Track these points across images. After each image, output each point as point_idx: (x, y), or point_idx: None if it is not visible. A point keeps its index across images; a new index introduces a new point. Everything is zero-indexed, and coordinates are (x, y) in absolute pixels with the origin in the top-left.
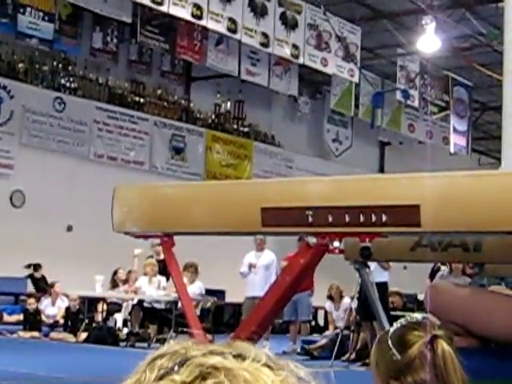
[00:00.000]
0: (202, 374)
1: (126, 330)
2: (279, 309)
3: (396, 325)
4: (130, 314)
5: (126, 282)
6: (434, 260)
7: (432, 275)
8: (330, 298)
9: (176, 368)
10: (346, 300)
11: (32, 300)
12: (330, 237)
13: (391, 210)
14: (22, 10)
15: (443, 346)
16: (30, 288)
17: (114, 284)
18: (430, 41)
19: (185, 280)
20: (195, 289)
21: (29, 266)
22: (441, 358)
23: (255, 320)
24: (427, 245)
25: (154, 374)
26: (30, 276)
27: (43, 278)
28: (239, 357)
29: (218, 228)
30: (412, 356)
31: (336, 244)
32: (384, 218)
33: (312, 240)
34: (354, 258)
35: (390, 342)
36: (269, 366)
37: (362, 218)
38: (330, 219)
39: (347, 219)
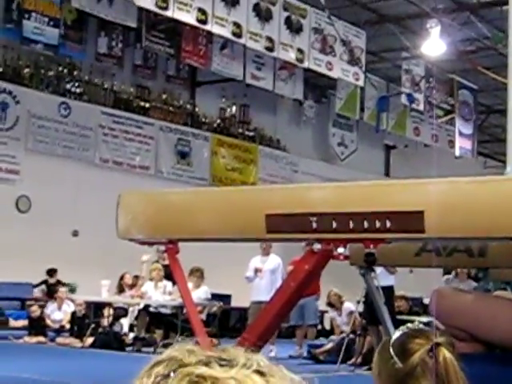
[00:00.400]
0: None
1: (132, 335)
2: (285, 314)
3: (398, 333)
4: (136, 318)
5: (132, 286)
6: (438, 265)
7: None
8: (330, 305)
9: (172, 375)
10: (347, 304)
11: (35, 308)
12: (334, 243)
13: (395, 216)
14: (27, 16)
15: (445, 353)
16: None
17: (121, 289)
18: (434, 44)
19: (191, 285)
20: (201, 293)
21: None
22: (442, 366)
23: (261, 325)
24: (432, 250)
25: (151, 381)
26: (45, 282)
27: (58, 282)
28: (228, 365)
29: (223, 234)
30: (414, 364)
31: (340, 250)
32: (388, 224)
33: (316, 246)
34: (359, 263)
35: (391, 350)
36: (259, 372)
37: (366, 224)
38: (335, 225)
39: (351, 225)
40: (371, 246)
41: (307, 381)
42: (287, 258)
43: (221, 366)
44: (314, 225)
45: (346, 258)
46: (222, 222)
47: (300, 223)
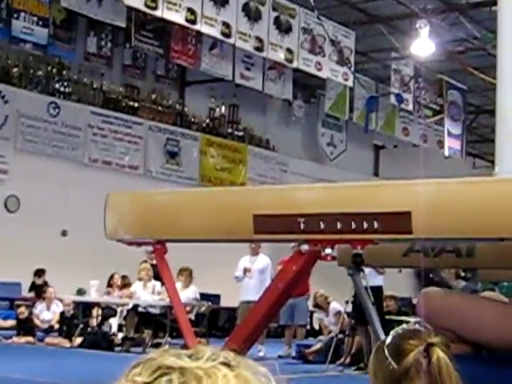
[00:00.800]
0: (159, 375)
1: (120, 335)
2: (273, 314)
3: (392, 333)
4: (124, 318)
5: (122, 287)
6: (426, 266)
7: None
8: (317, 306)
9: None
10: (334, 305)
11: (22, 309)
12: (321, 244)
13: (382, 217)
14: (16, 15)
15: (438, 353)
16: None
17: (111, 289)
18: (424, 44)
19: (179, 285)
20: (190, 293)
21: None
22: (435, 366)
23: (249, 325)
24: (420, 250)
25: (128, 381)
26: (33, 283)
27: (45, 283)
28: (196, 358)
29: (210, 235)
30: (408, 364)
31: (328, 251)
32: (375, 224)
33: (304, 247)
34: (347, 264)
35: (386, 351)
36: (226, 364)
37: (353, 225)
38: (322, 226)
39: (339, 226)
40: (359, 246)
41: (294, 381)
42: (276, 257)
43: (189, 358)
44: (302, 225)
45: (334, 258)
46: (210, 223)
47: (288, 224)
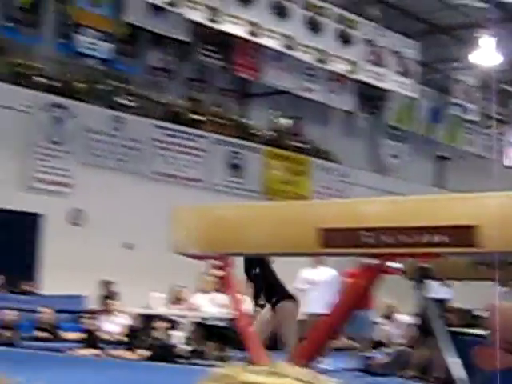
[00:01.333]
0: None
1: (186, 348)
2: (340, 328)
3: None
4: (190, 331)
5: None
6: (493, 279)
7: None
8: (384, 316)
9: None
10: (400, 316)
11: (87, 321)
12: (387, 258)
13: (448, 231)
14: (80, 31)
15: None
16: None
17: (175, 302)
18: (488, 54)
19: (248, 298)
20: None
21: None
22: None
23: (315, 339)
24: (486, 263)
25: None
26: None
27: (112, 294)
28: (269, 373)
29: (275, 249)
30: None
31: (393, 265)
32: (442, 238)
33: (370, 261)
34: (415, 277)
35: None
36: (298, 379)
37: (420, 239)
38: (388, 240)
39: (405, 240)
40: (425, 260)
41: None
42: (340, 268)
43: (264, 374)
44: (367, 239)
45: (402, 272)
46: (275, 236)
47: (353, 238)
